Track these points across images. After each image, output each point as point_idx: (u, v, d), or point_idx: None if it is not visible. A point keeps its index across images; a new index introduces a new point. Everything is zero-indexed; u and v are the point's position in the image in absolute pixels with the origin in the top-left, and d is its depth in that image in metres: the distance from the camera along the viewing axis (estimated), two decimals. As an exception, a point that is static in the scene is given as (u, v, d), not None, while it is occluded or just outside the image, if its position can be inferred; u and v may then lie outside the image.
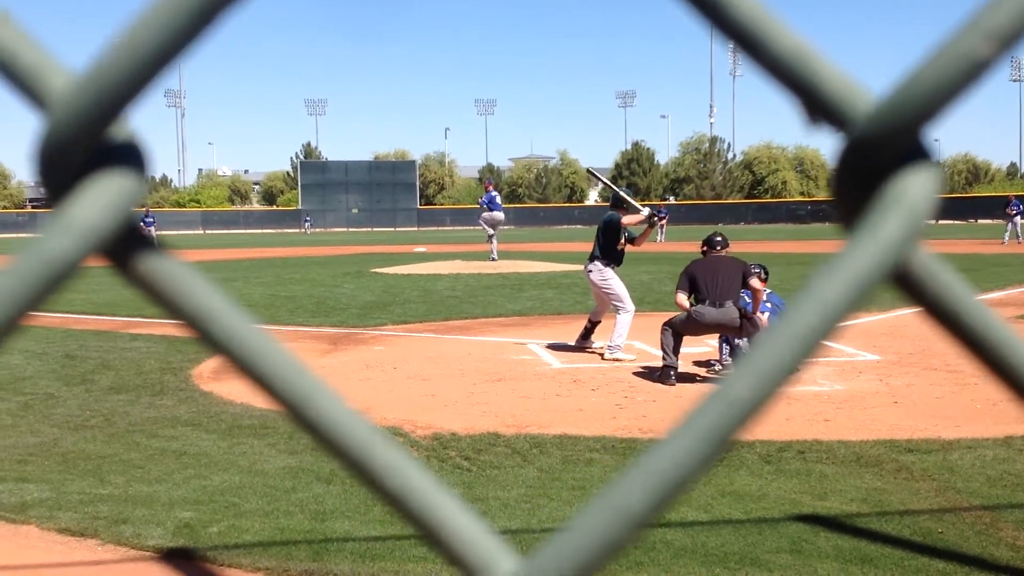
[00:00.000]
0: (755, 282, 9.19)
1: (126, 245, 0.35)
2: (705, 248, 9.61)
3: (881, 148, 0.36)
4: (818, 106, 0.37)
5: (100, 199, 0.33)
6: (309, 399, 0.36)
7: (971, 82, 0.35)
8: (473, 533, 0.36)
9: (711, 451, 0.34)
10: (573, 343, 11.18)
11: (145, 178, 0.35)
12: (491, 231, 25.93)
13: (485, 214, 25.63)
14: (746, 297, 9.24)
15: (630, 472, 0.35)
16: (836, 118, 0.37)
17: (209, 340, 0.36)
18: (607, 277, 10.74)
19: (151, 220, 46.09)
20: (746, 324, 8.94)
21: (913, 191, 0.36)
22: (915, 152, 0.36)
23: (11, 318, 0.33)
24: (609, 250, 10.81)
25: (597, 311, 11.14)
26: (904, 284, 0.37)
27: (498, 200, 25.67)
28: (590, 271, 10.90)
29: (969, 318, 0.37)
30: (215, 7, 0.33)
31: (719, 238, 9.64)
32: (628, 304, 10.64)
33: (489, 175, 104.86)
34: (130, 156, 0.34)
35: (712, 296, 8.96)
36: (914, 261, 0.36)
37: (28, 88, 0.34)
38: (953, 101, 0.35)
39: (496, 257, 26.32)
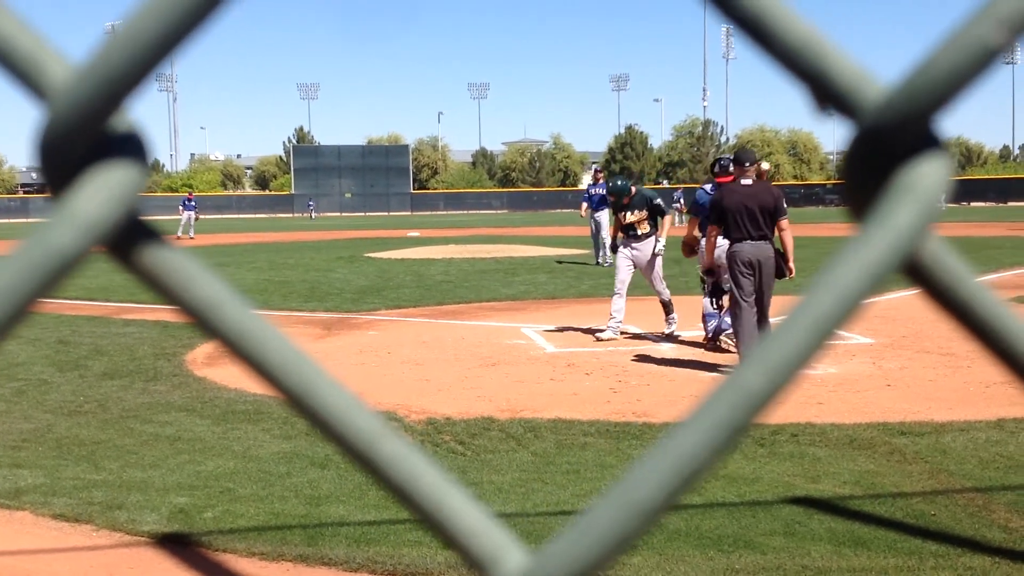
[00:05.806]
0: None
1: (129, 237, 0.34)
2: None
3: (892, 137, 0.36)
4: (828, 95, 0.36)
5: (102, 191, 0.33)
6: (312, 389, 0.36)
7: (983, 69, 0.34)
8: (481, 525, 0.36)
9: (724, 442, 0.34)
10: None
11: (147, 169, 0.34)
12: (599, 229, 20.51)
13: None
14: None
15: (642, 464, 0.35)
16: (846, 107, 0.36)
17: (213, 331, 0.35)
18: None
19: (193, 204, 40.97)
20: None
21: (925, 180, 0.35)
22: (927, 140, 0.36)
23: (13, 312, 0.32)
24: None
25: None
26: (914, 272, 0.37)
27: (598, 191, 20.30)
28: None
29: (979, 307, 0.37)
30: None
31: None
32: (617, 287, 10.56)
33: (482, 158, 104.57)
34: (132, 147, 0.34)
35: None
36: (925, 249, 0.36)
37: (27, 78, 0.34)
38: (965, 89, 0.35)
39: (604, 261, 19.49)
